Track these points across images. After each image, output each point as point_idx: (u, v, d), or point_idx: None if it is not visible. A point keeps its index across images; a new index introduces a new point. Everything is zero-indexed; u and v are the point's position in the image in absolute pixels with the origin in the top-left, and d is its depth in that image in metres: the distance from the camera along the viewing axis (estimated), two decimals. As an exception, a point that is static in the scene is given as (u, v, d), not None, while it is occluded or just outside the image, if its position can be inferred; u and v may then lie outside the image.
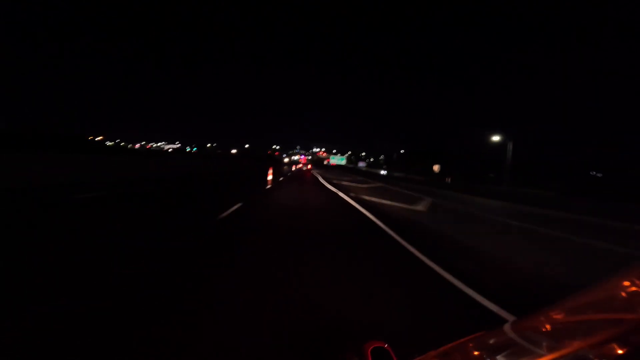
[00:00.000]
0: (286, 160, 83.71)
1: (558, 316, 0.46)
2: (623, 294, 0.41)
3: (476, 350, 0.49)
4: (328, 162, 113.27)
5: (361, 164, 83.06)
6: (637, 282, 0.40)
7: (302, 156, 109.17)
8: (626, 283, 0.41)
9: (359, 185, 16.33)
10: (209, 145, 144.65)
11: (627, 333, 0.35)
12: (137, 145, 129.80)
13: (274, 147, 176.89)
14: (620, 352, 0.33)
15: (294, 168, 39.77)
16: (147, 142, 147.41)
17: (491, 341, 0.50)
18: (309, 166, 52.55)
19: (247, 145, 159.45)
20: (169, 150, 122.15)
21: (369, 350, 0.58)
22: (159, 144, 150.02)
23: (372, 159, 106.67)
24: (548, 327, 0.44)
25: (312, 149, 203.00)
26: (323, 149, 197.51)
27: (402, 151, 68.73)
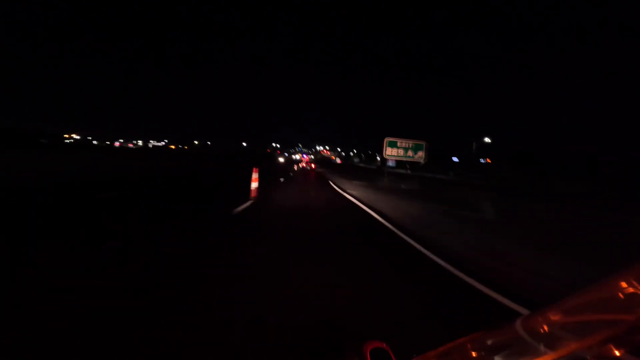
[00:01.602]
0: (282, 160, 67.37)
1: (555, 317, 0.49)
2: (620, 295, 0.43)
3: (475, 351, 0.53)
4: (334, 159, 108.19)
5: (390, 163, 70.81)
6: (634, 283, 0.43)
7: (304, 155, 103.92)
8: (623, 284, 0.43)
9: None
10: (196, 142, 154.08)
11: (625, 334, 0.37)
12: (117, 144, 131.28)
13: (273, 145, 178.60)
14: (617, 353, 0.36)
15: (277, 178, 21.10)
16: (129, 140, 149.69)
17: (489, 341, 0.54)
18: (313, 166, 46.13)
19: (244, 144, 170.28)
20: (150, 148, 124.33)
21: (368, 350, 0.63)
22: (139, 141, 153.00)
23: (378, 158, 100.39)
24: (546, 327, 0.48)
25: (315, 147, 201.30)
26: (327, 147, 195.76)
27: (487, 140, 43.17)
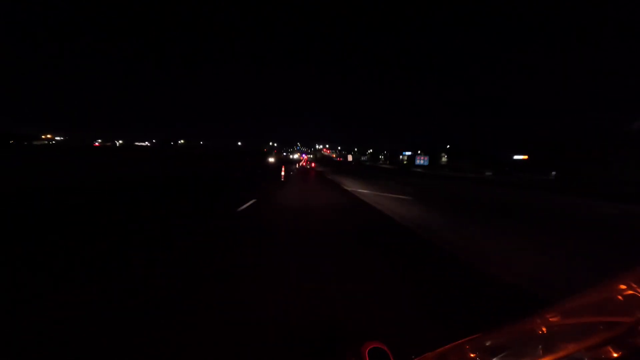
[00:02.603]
0: (272, 160, 54.19)
1: (554, 318, 0.52)
2: (619, 297, 0.46)
3: (473, 352, 0.56)
4: (340, 160, 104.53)
5: (421, 161, 60.49)
6: (634, 285, 0.46)
7: (303, 155, 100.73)
8: (623, 286, 0.46)
9: None
10: (181, 142, 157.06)
11: (623, 336, 0.40)
12: (96, 144, 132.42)
13: (270, 144, 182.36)
14: (615, 355, 0.38)
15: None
16: (108, 140, 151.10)
17: (488, 343, 0.56)
18: (313, 164, 41.97)
19: (239, 143, 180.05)
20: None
21: (367, 351, 0.66)
22: (120, 141, 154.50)
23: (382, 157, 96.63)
24: (544, 329, 0.50)
25: (315, 146, 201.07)
26: (327, 146, 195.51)
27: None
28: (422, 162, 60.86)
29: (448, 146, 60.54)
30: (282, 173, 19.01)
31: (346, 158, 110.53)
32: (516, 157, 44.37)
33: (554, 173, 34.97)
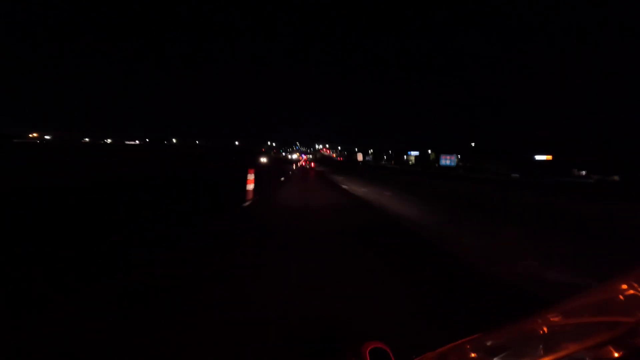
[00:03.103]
0: (264, 160, 47.25)
1: (555, 318, 0.53)
2: (620, 297, 0.47)
3: (473, 352, 0.58)
4: (341, 160, 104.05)
5: (447, 161, 56.56)
6: (635, 285, 0.47)
7: (303, 155, 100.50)
8: (624, 286, 0.48)
9: None
10: (175, 140, 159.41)
11: (624, 336, 0.41)
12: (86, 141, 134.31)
13: (268, 144, 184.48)
14: (616, 355, 0.39)
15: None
16: (96, 139, 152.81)
17: (488, 343, 0.58)
18: (312, 164, 40.98)
19: (236, 142, 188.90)
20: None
21: (367, 350, 0.68)
22: (109, 140, 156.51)
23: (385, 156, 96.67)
24: (545, 329, 0.52)
25: (314, 146, 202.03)
26: (327, 146, 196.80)
27: None
28: (448, 162, 58.54)
29: (473, 144, 58.88)
30: (250, 188, 8.94)
31: (355, 158, 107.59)
32: (538, 157, 43.71)
33: (593, 176, 35.02)
